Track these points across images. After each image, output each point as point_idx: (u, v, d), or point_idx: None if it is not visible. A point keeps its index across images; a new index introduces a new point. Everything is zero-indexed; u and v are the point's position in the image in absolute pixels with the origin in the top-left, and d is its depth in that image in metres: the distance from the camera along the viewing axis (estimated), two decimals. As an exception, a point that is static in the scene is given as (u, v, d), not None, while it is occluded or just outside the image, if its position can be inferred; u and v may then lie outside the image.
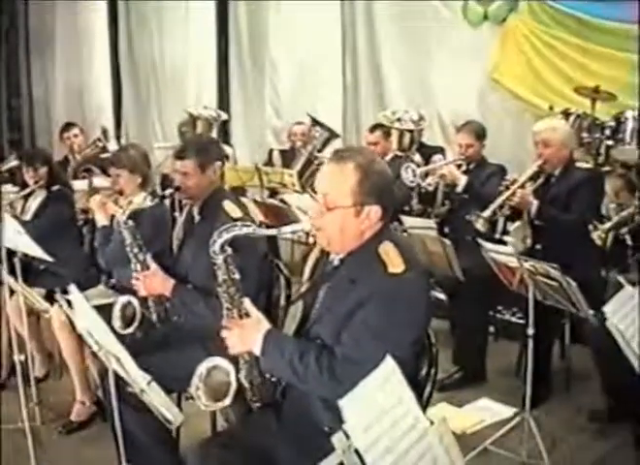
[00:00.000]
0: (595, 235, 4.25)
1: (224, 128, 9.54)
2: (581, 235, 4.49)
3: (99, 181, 5.95)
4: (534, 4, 7.48)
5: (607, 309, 2.74)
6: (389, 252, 2.47)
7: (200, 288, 3.44)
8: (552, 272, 3.62)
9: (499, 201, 4.78)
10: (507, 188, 4.78)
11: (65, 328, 4.16)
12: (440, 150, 6.92)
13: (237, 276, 2.68)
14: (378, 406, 1.77)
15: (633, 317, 2.79)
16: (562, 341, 4.85)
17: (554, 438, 4.00)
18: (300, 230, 2.74)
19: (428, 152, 6.69)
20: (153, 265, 3.61)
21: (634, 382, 3.97)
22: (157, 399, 2.42)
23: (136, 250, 3.65)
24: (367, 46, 9.00)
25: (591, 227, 4.32)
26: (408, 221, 5.08)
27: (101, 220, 4.31)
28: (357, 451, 1.69)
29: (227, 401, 2.62)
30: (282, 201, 6.05)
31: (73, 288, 2.71)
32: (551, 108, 7.00)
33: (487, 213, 4.79)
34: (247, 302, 2.65)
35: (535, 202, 4.65)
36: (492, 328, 5.26)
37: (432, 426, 1.78)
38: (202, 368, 2.65)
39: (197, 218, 3.68)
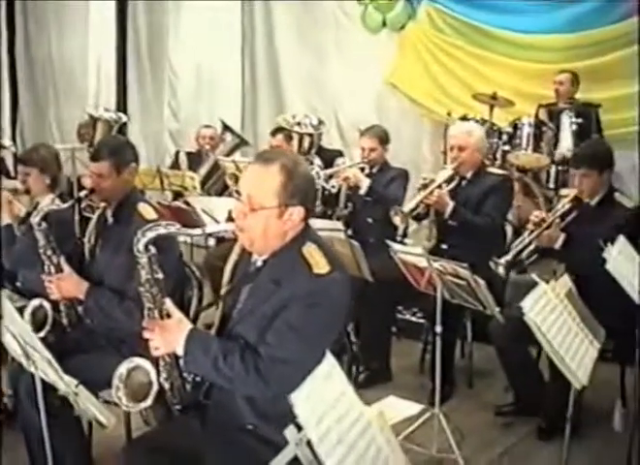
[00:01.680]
0: (501, 269, 4.38)
1: (121, 130, 9.40)
2: (487, 237, 4.66)
3: (-2, 180, 5.77)
4: (433, 13, 7.66)
5: (524, 304, 2.86)
6: (313, 253, 2.50)
7: (115, 290, 3.39)
8: (461, 272, 3.71)
9: (418, 198, 4.83)
10: (425, 187, 4.85)
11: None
12: (339, 154, 6.99)
13: (159, 276, 2.65)
14: (325, 400, 1.80)
15: (547, 311, 2.93)
16: (463, 340, 4.99)
17: (462, 432, 4.10)
18: (224, 230, 2.75)
19: (327, 155, 6.75)
20: (67, 268, 3.54)
21: (536, 375, 4.18)
22: (89, 401, 2.38)
23: (49, 252, 3.54)
24: (265, 51, 9.04)
25: (492, 264, 4.42)
26: (316, 223, 5.08)
27: (5, 218, 4.17)
28: (308, 444, 1.73)
29: (148, 401, 2.59)
30: (186, 203, 6.00)
31: (-3, 290, 2.64)
32: (449, 114, 7.18)
33: (407, 208, 4.83)
34: (169, 302, 2.63)
35: (451, 203, 4.74)
36: (393, 328, 5.35)
37: (373, 419, 1.83)
38: (122, 369, 2.61)
39: (110, 220, 3.62)
